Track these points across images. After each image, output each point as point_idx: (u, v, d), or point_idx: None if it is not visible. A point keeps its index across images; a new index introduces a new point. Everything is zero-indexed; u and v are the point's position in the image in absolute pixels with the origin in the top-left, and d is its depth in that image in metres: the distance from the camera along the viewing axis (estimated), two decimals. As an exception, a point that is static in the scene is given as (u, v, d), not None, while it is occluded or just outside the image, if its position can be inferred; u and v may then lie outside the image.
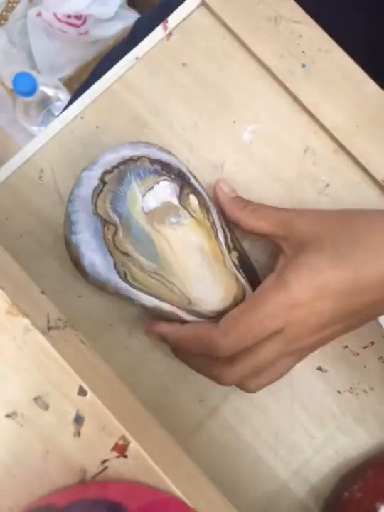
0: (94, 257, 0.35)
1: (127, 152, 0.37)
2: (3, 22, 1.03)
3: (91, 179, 0.36)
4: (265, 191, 0.42)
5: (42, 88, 0.95)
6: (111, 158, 0.36)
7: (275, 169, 0.42)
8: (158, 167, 0.37)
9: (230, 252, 0.38)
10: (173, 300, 0.36)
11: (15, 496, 0.26)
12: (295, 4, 0.42)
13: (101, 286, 0.36)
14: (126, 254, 0.36)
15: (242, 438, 0.41)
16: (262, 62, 0.41)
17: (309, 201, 0.42)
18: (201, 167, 0.41)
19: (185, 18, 0.42)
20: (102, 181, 0.36)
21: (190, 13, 0.42)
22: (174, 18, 0.42)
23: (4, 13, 1.02)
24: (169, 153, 0.38)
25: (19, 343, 0.27)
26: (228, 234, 0.38)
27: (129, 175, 0.36)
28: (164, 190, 0.37)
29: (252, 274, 0.39)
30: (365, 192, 0.42)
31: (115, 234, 0.36)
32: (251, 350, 0.34)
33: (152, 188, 0.37)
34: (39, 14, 0.95)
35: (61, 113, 0.43)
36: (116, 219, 0.36)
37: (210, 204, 0.38)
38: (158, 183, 0.37)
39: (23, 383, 0.26)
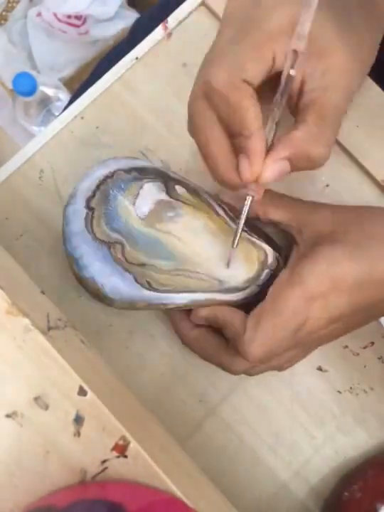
0: (114, 281, 0.35)
1: (101, 172, 0.37)
2: (3, 22, 1.03)
3: (77, 212, 0.36)
4: (265, 191, 0.42)
5: (42, 88, 0.95)
6: (87, 184, 0.36)
7: (275, 169, 0.42)
8: (135, 174, 0.37)
9: (234, 221, 0.38)
10: (204, 287, 0.36)
11: (15, 496, 0.26)
12: (295, 4, 0.42)
13: (130, 306, 0.36)
14: (142, 265, 0.36)
15: (241, 438, 0.41)
16: (262, 62, 0.41)
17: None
18: (201, 167, 0.41)
19: (185, 18, 0.42)
20: (89, 208, 0.36)
21: (190, 13, 0.42)
22: (174, 18, 0.42)
23: (4, 13, 1.02)
24: (137, 158, 0.38)
25: (19, 343, 0.27)
26: (225, 207, 0.38)
27: (111, 192, 0.36)
28: (150, 192, 0.37)
29: (264, 234, 0.39)
30: (365, 192, 0.42)
31: (123, 250, 0.36)
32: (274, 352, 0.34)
33: (138, 194, 0.37)
34: (39, 14, 0.95)
35: (61, 113, 0.43)
36: (118, 236, 0.36)
37: (196, 187, 0.38)
38: (141, 187, 0.37)
39: (23, 383, 0.26)
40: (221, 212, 0.38)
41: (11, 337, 0.27)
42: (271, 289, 0.35)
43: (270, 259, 0.37)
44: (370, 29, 0.35)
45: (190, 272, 0.36)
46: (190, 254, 0.36)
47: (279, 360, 0.36)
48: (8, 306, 0.27)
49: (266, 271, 0.37)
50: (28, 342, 0.27)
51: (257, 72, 0.31)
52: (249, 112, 0.31)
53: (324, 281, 0.33)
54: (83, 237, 0.35)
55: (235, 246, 0.35)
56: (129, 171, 0.37)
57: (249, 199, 0.34)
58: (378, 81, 0.41)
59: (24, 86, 0.91)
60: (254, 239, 0.38)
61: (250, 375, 0.37)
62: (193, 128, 0.33)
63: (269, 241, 0.39)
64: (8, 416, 0.26)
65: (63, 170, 0.41)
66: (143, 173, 0.37)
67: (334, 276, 0.33)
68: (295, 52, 0.29)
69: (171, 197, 0.37)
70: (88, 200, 0.36)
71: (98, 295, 0.36)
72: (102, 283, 0.35)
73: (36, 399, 0.26)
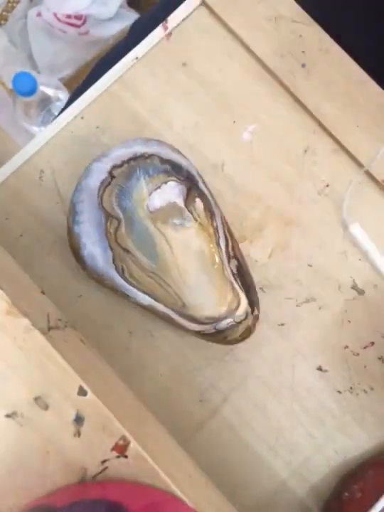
0: (94, 249, 0.35)
1: (139, 148, 0.37)
2: (3, 22, 1.03)
3: (100, 171, 0.36)
4: (265, 191, 0.42)
5: (42, 88, 0.95)
6: (122, 152, 0.36)
7: (275, 169, 0.42)
8: (168, 167, 0.37)
9: (229, 260, 0.38)
10: (167, 301, 0.36)
11: (15, 496, 0.26)
12: (295, 4, 0.42)
13: (98, 278, 0.36)
14: (126, 250, 0.36)
15: (242, 438, 0.41)
16: (262, 62, 0.41)
17: (309, 201, 0.42)
18: (201, 167, 0.41)
19: (185, 18, 0.42)
20: (111, 175, 0.36)
21: (190, 13, 0.42)
22: (174, 18, 0.42)
23: (4, 13, 1.02)
24: (181, 154, 0.38)
25: (19, 343, 0.27)
26: (230, 242, 0.38)
27: (138, 171, 0.36)
28: (171, 191, 0.37)
29: (249, 284, 0.39)
30: (365, 192, 0.42)
31: (117, 229, 0.36)
32: None
33: (159, 187, 0.37)
34: (39, 14, 0.95)
35: (60, 113, 0.43)
36: (120, 214, 0.36)
37: (216, 210, 0.38)
38: (166, 182, 0.37)
39: (23, 383, 0.26)
40: (222, 245, 0.38)
41: (11, 337, 0.27)
42: None
43: (239, 312, 0.37)
44: None
45: (162, 281, 0.36)
46: (172, 267, 0.37)
47: None
48: (8, 306, 0.27)
49: (229, 320, 0.37)
50: (28, 342, 0.27)
51: None
52: None
53: None
54: (90, 197, 0.35)
55: None
56: (165, 161, 0.37)
57: None
58: (378, 81, 0.41)
59: (24, 86, 0.91)
60: (236, 285, 0.37)
61: None
62: None
63: (250, 292, 0.38)
64: (8, 416, 0.26)
65: (63, 170, 0.41)
66: (175, 170, 0.37)
67: None
68: None
69: (186, 205, 0.37)
70: (114, 167, 0.36)
71: (76, 254, 0.36)
72: (84, 244, 0.35)
73: (36, 399, 0.26)
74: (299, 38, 0.41)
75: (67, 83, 1.01)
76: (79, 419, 0.26)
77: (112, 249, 0.35)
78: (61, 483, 0.26)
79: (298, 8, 0.42)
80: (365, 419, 0.41)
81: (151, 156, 0.37)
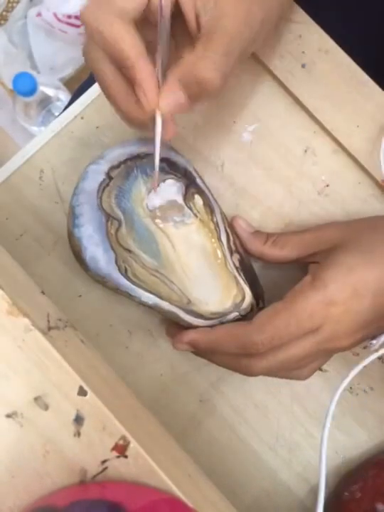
0: (96, 251, 0.35)
1: (135, 148, 0.37)
2: (3, 22, 1.03)
3: (97, 173, 0.36)
4: (265, 191, 0.42)
5: (42, 88, 0.95)
6: (118, 153, 0.36)
7: (275, 169, 0.42)
8: (164, 165, 0.37)
9: (231, 254, 0.38)
10: (172, 299, 0.36)
11: (15, 496, 0.26)
12: (295, 4, 0.42)
13: (101, 280, 0.36)
14: (128, 251, 0.36)
15: (241, 438, 0.41)
16: (262, 62, 0.41)
17: (309, 201, 0.42)
18: (201, 167, 0.41)
19: (185, 18, 0.42)
20: (109, 176, 0.36)
21: (190, 13, 0.42)
22: (174, 18, 0.42)
23: (4, 13, 1.02)
24: (177, 152, 0.38)
25: (19, 343, 0.27)
26: (231, 236, 0.38)
27: (135, 171, 0.36)
28: (170, 189, 0.37)
29: (252, 277, 0.39)
30: (365, 192, 0.42)
31: (118, 229, 0.36)
32: (282, 346, 0.34)
33: (158, 185, 0.37)
34: (39, 14, 0.95)
35: (61, 113, 0.43)
36: (120, 214, 0.36)
37: (215, 205, 0.38)
38: (164, 181, 0.37)
39: (23, 383, 0.26)
40: (224, 240, 0.38)
41: (11, 337, 0.27)
42: (289, 292, 0.34)
43: (245, 305, 0.37)
44: None
45: (166, 279, 0.36)
46: (175, 264, 0.36)
47: (299, 364, 0.35)
48: (8, 306, 0.27)
49: (235, 313, 0.37)
50: (28, 342, 0.27)
51: (129, 5, 0.31)
52: (125, 41, 0.30)
53: (345, 288, 0.33)
54: (90, 199, 0.35)
55: (156, 169, 0.35)
56: (162, 159, 0.37)
57: (158, 118, 0.33)
58: (378, 81, 0.41)
59: (24, 86, 0.91)
60: (240, 278, 0.37)
61: (269, 376, 0.36)
62: (92, 72, 0.33)
63: (254, 284, 0.38)
64: (8, 416, 0.26)
65: (63, 170, 0.41)
66: (172, 168, 0.37)
67: (355, 283, 0.33)
68: None
69: (185, 202, 0.37)
70: (111, 169, 0.36)
71: (78, 256, 0.36)
72: (86, 247, 0.35)
73: (36, 399, 0.26)
74: (299, 38, 0.41)
75: (67, 83, 1.01)
76: (79, 419, 0.26)
77: (113, 250, 0.35)
78: (61, 483, 0.26)
79: (298, 8, 0.42)
80: (365, 419, 0.41)
81: (147, 155, 0.37)
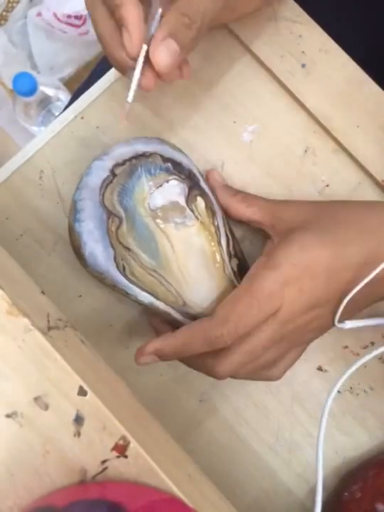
0: (96, 248, 0.35)
1: (140, 147, 0.37)
2: (3, 22, 1.03)
3: (101, 169, 0.36)
4: (265, 191, 0.42)
5: (42, 88, 0.95)
6: (123, 151, 0.36)
7: (275, 169, 0.42)
8: (169, 165, 0.37)
9: (230, 258, 0.38)
10: (168, 299, 0.36)
11: (15, 496, 0.26)
12: (295, 4, 0.42)
13: (99, 277, 0.36)
14: (128, 249, 0.36)
15: (242, 438, 0.41)
16: (262, 62, 0.41)
17: (309, 201, 0.42)
18: (201, 167, 0.41)
19: (185, 18, 0.42)
20: (112, 173, 0.36)
21: (190, 13, 0.42)
22: (174, 18, 0.42)
23: (4, 13, 1.02)
24: (182, 152, 0.38)
25: (19, 343, 0.27)
26: (231, 240, 0.38)
27: (139, 170, 0.36)
28: (173, 190, 0.37)
29: None
30: (365, 192, 0.42)
31: (119, 227, 0.36)
32: (246, 337, 0.34)
33: (161, 185, 0.37)
34: (39, 14, 0.95)
35: (61, 113, 0.43)
36: (121, 212, 0.36)
37: (217, 208, 0.38)
38: (167, 181, 0.37)
39: (23, 383, 0.26)
40: (224, 244, 0.38)
41: (11, 337, 0.27)
42: (247, 274, 0.35)
43: None
44: None
45: (164, 280, 0.36)
46: (173, 265, 0.37)
47: (265, 356, 0.35)
48: (8, 306, 0.27)
49: None
50: (28, 342, 0.27)
51: None
52: None
53: (298, 266, 0.33)
54: (92, 195, 0.35)
55: (129, 99, 0.34)
56: (166, 159, 0.37)
57: (143, 51, 0.33)
58: (378, 81, 0.41)
59: (24, 86, 0.91)
60: (237, 283, 0.38)
61: (238, 376, 0.36)
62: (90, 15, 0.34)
63: None
64: (8, 416, 0.26)
65: (63, 170, 0.41)
66: (177, 169, 0.37)
67: (308, 262, 0.33)
68: None
69: (187, 204, 0.37)
70: (115, 166, 0.36)
71: (77, 252, 0.36)
72: (85, 243, 0.35)
73: (36, 399, 0.26)
74: (299, 38, 0.41)
75: (67, 83, 1.01)
76: (79, 419, 0.26)
77: (113, 247, 0.35)
78: (61, 483, 0.26)
79: (298, 8, 0.42)
80: (365, 419, 0.41)
81: (152, 154, 0.37)
